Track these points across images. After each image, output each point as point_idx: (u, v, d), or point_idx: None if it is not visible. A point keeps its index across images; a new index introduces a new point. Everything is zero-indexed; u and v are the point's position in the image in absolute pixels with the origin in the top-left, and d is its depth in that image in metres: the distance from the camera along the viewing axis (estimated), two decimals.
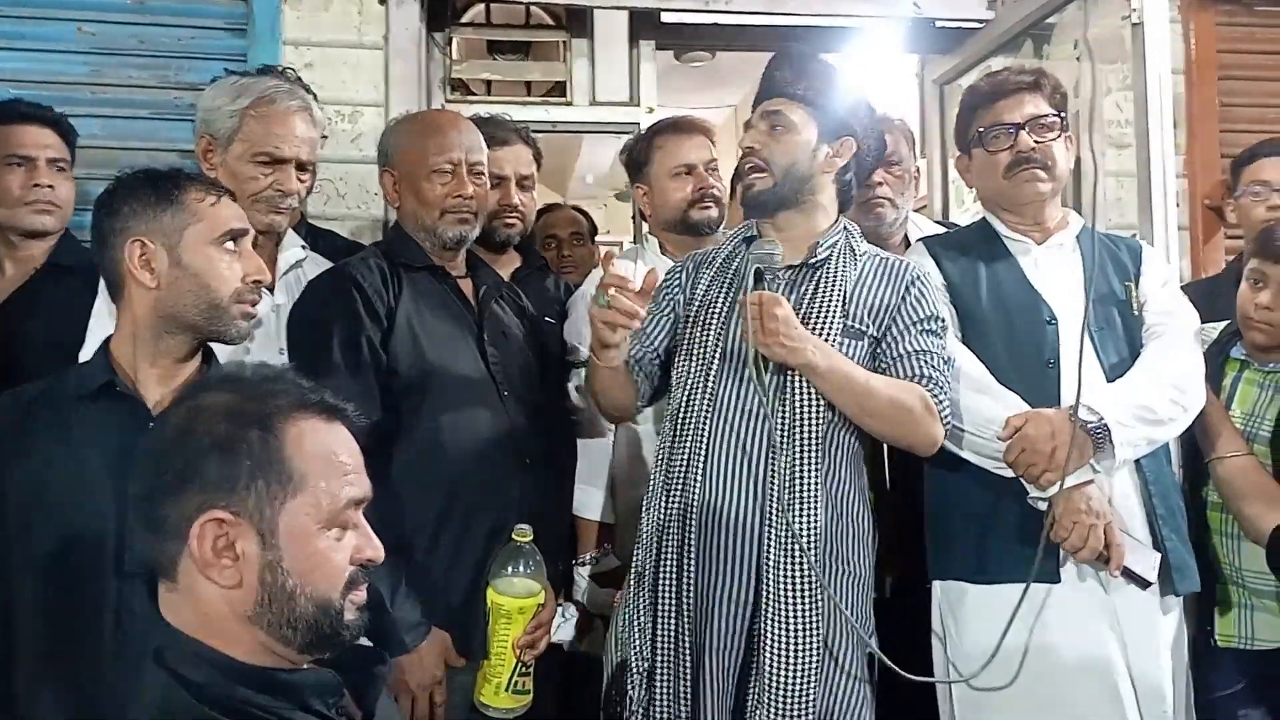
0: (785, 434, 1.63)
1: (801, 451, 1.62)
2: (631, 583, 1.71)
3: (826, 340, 1.64)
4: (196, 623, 1.00)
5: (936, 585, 1.85)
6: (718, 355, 1.68)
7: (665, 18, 2.97)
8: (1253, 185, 2.36)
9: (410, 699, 1.70)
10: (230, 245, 1.49)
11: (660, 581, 1.65)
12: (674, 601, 1.64)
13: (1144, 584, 1.70)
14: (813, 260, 1.71)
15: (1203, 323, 1.91)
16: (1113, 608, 1.73)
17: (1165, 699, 1.73)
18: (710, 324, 1.71)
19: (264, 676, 1.00)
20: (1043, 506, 1.71)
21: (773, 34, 3.13)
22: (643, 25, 2.97)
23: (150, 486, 1.01)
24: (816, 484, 1.61)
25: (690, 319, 1.75)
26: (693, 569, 1.63)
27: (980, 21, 2.90)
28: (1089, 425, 1.68)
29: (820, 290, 1.69)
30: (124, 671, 1.32)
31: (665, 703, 1.62)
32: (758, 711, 1.57)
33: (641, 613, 1.65)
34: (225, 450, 1.00)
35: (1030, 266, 1.88)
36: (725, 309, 1.72)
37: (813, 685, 1.57)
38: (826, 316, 1.67)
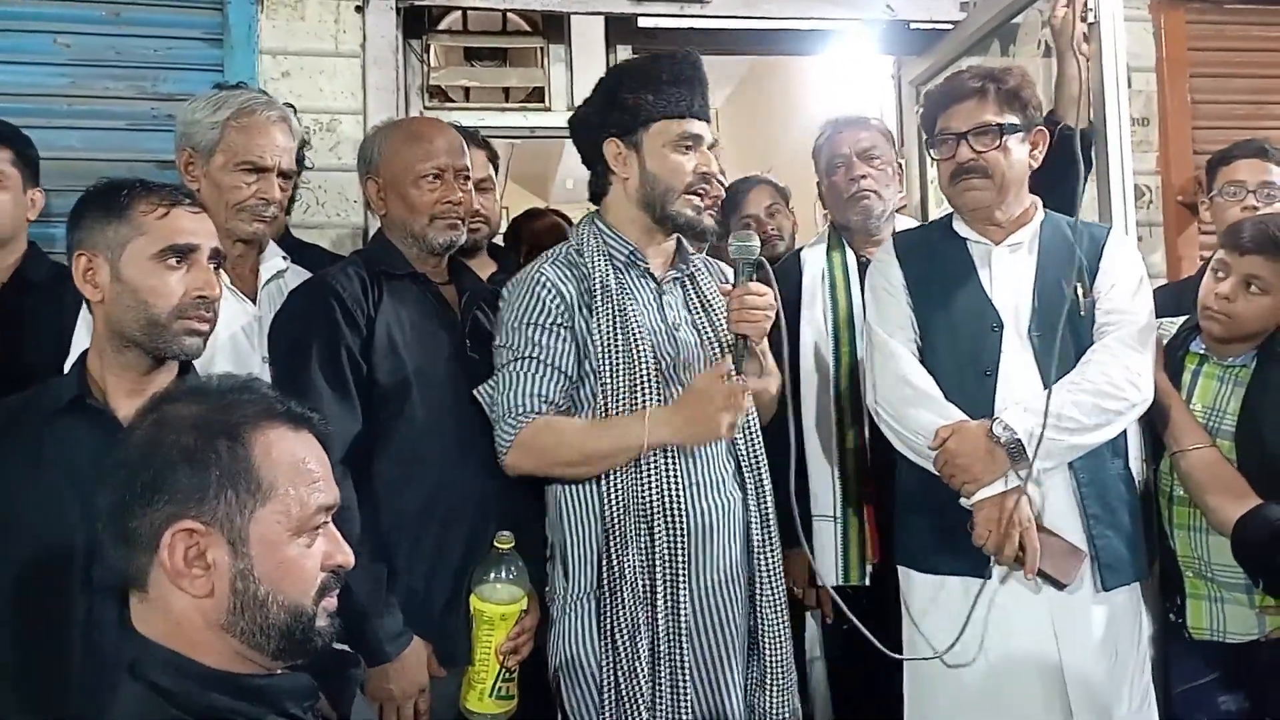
0: (749, 434, 1.77)
1: (759, 448, 1.79)
2: (591, 600, 1.68)
3: None
4: (168, 632, 1.01)
5: (899, 569, 1.95)
6: (656, 372, 1.71)
7: (642, 22, 2.98)
8: (1228, 186, 2.38)
9: (394, 708, 1.71)
10: (173, 261, 1.47)
11: (650, 596, 1.66)
12: (671, 611, 1.65)
13: (1058, 585, 1.77)
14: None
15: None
16: (1047, 602, 1.79)
17: (1095, 691, 1.77)
18: (642, 343, 1.71)
19: (238, 683, 1.01)
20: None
21: (749, 37, 3.16)
22: (619, 30, 2.99)
23: (119, 498, 1.02)
24: (767, 475, 1.79)
25: (607, 341, 1.71)
26: (685, 577, 1.66)
27: (953, 23, 2.92)
28: (1002, 441, 1.74)
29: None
30: (93, 685, 1.33)
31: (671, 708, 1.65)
32: (759, 694, 1.71)
33: (626, 631, 1.64)
34: (194, 461, 1.01)
35: (985, 269, 1.91)
36: (659, 327, 1.75)
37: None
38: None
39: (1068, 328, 1.82)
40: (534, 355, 1.70)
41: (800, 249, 2.64)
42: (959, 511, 1.80)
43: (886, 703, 1.97)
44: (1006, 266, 1.90)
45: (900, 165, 2.60)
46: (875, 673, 1.99)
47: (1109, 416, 1.78)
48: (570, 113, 1.96)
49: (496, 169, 2.37)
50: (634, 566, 1.63)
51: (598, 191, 1.84)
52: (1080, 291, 1.86)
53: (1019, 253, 1.91)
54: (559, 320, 1.72)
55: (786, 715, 1.75)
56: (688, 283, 1.85)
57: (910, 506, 1.94)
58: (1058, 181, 1.91)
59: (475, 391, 1.76)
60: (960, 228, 1.96)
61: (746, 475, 1.76)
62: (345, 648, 1.19)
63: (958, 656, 1.81)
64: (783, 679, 1.74)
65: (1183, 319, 2.02)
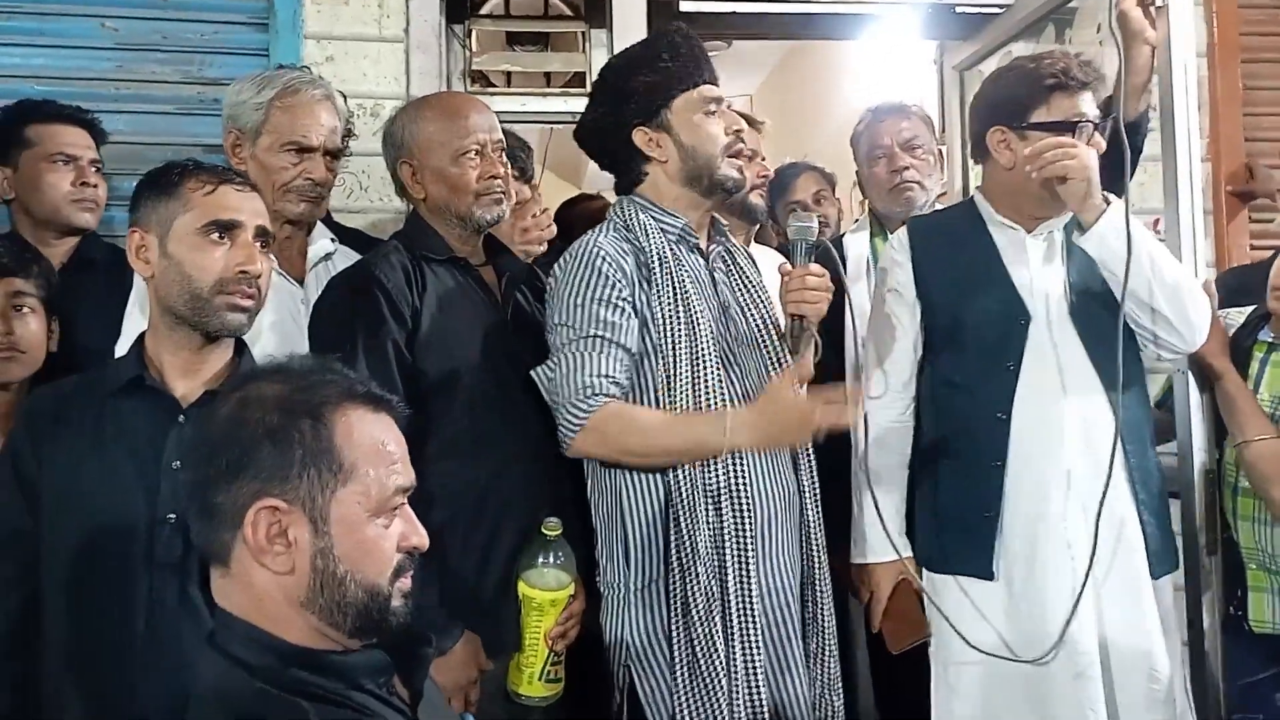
0: None
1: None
2: (659, 585, 1.66)
3: None
4: (250, 607, 1.03)
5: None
6: (714, 349, 1.68)
7: (683, 7, 2.95)
8: None
9: (445, 698, 1.71)
10: (217, 235, 1.48)
11: (720, 572, 1.64)
12: (741, 588, 1.64)
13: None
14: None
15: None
16: (1096, 595, 1.76)
17: (1158, 677, 1.76)
18: (701, 320, 1.68)
19: (317, 658, 1.03)
20: None
21: (790, 21, 3.12)
22: (661, 15, 2.96)
23: (204, 475, 1.03)
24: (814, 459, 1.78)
25: (668, 316, 1.67)
26: (755, 555, 1.65)
27: (1000, 7, 2.87)
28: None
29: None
30: (156, 659, 1.36)
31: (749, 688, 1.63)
32: (818, 668, 1.74)
33: (702, 608, 1.62)
34: (278, 440, 1.02)
35: (1017, 259, 1.87)
36: (714, 304, 1.74)
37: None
38: None
39: (1109, 318, 1.80)
40: (598, 334, 1.63)
41: (841, 235, 2.63)
42: (964, 512, 1.83)
43: (928, 692, 1.96)
44: (1040, 256, 1.87)
45: (940, 153, 2.57)
46: (917, 661, 1.98)
47: (1188, 285, 1.79)
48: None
49: (529, 178, 2.32)
50: (706, 545, 1.62)
51: (631, 184, 1.80)
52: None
53: (1051, 242, 1.88)
54: (621, 294, 1.66)
55: (839, 685, 1.77)
56: (729, 259, 1.83)
57: (921, 506, 1.93)
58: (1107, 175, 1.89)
59: (532, 372, 1.72)
60: (989, 213, 1.90)
61: (800, 461, 1.76)
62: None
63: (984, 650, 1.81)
64: (834, 650, 1.77)
65: (1250, 309, 1.99)
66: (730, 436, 1.59)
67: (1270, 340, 1.95)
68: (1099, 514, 1.73)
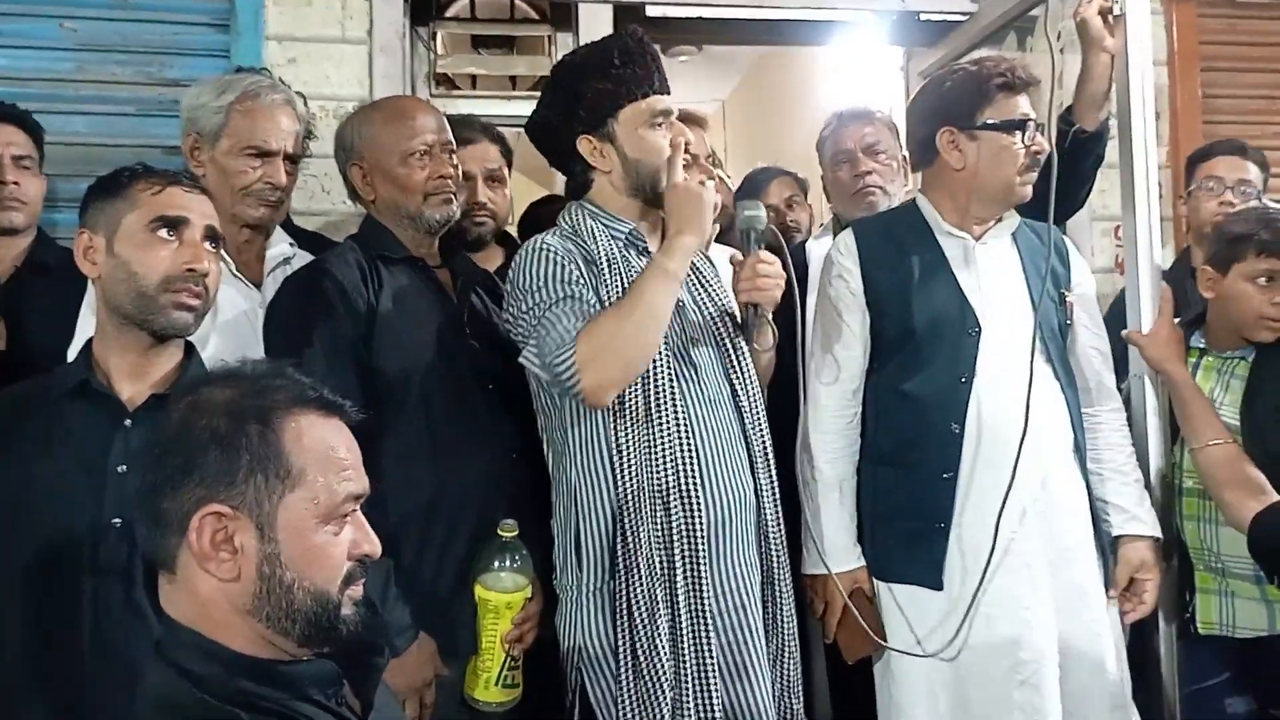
0: (754, 409, 1.76)
1: (767, 434, 1.77)
2: (607, 588, 1.65)
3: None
4: (196, 615, 1.02)
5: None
6: (667, 350, 1.67)
7: (650, 11, 2.96)
8: (1206, 181, 2.42)
9: (400, 702, 1.69)
10: (164, 233, 1.47)
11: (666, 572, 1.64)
12: (693, 589, 1.63)
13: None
14: None
15: None
16: (1050, 594, 1.78)
17: (1114, 688, 1.78)
18: None
19: (264, 668, 1.01)
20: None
21: (757, 27, 3.14)
22: (627, 19, 2.96)
23: (151, 480, 1.02)
24: (774, 461, 1.77)
25: None
26: (706, 556, 1.64)
27: (964, 14, 2.91)
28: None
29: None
30: (103, 667, 1.35)
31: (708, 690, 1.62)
32: (778, 669, 1.73)
33: (645, 609, 1.62)
34: (225, 444, 1.01)
35: (965, 267, 1.87)
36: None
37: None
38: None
39: (1060, 331, 1.85)
40: (569, 295, 1.62)
41: (804, 241, 2.64)
42: (913, 522, 1.82)
43: None
44: (989, 264, 1.87)
45: (904, 158, 2.59)
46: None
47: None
48: None
49: (510, 164, 2.34)
50: (649, 544, 1.61)
51: (580, 188, 1.79)
52: (1065, 298, 1.87)
53: (1000, 250, 1.88)
54: (578, 281, 1.66)
55: (800, 688, 1.77)
56: None
57: (867, 514, 1.90)
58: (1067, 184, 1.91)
59: (521, 358, 1.67)
60: (936, 221, 1.89)
61: (757, 461, 1.75)
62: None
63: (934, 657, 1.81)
64: (795, 652, 1.77)
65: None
66: (669, 261, 1.62)
67: (1201, 346, 1.98)
68: (1000, 512, 1.74)
